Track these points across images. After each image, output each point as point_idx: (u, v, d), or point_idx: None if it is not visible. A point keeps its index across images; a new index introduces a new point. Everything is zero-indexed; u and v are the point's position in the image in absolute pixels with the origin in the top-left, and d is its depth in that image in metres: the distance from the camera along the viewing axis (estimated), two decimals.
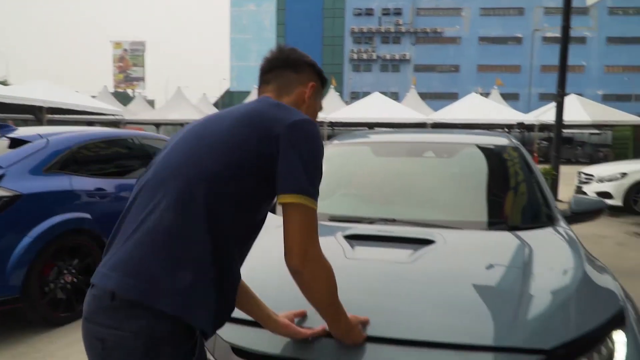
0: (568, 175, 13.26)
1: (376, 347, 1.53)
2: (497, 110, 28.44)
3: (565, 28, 10.18)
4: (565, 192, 11.59)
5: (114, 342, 1.19)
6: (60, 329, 3.90)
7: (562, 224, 2.56)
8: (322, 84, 1.68)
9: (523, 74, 54.03)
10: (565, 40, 10.30)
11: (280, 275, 1.50)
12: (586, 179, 11.15)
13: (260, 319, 1.61)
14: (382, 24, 61.10)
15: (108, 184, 4.53)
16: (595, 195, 10.53)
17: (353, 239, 2.23)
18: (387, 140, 3.50)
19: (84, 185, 4.28)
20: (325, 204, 2.85)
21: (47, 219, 3.89)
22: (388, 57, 60.95)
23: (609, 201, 10.30)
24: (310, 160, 1.34)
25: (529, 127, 30.59)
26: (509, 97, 47.77)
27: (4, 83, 36.34)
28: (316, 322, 1.59)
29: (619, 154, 29.04)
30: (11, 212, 3.69)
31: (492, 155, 3.17)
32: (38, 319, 3.86)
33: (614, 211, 10.36)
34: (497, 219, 2.61)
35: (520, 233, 2.35)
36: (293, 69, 1.60)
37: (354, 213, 2.71)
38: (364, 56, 61.23)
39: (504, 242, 2.27)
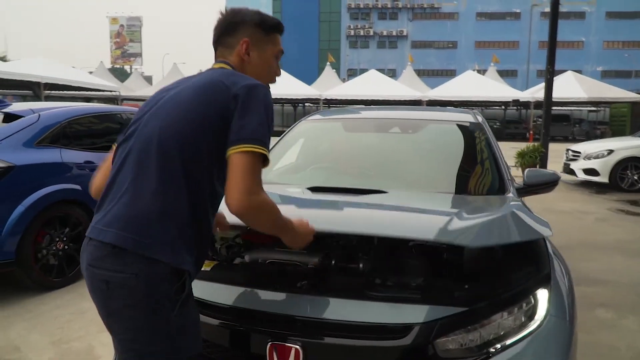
0: (560, 152, 13.38)
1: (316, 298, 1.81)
2: (493, 88, 28.47)
3: (555, 4, 10.25)
4: (554, 169, 11.74)
5: (118, 282, 1.38)
6: (51, 292, 4.15)
7: (511, 194, 2.76)
8: (266, 31, 1.74)
9: (521, 50, 53.57)
10: (554, 16, 10.38)
11: None
12: (574, 156, 11.29)
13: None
14: (379, 0, 60.38)
15: (97, 157, 4.72)
16: (582, 172, 10.71)
17: (315, 190, 2.57)
18: (357, 117, 3.70)
19: (74, 158, 4.47)
20: (297, 177, 3.11)
21: (39, 189, 4.09)
22: (385, 33, 60.30)
23: (595, 178, 10.47)
24: (263, 116, 1.49)
25: (525, 104, 30.62)
26: (507, 74, 47.58)
27: (3, 59, 36.19)
28: None
29: (616, 131, 29.12)
30: (5, 182, 3.90)
31: (454, 130, 3.37)
32: (31, 283, 4.10)
33: (601, 188, 10.53)
34: (449, 189, 2.82)
35: (466, 196, 2.62)
36: (228, 33, 1.72)
37: (322, 184, 2.93)
38: (361, 32, 60.60)
39: (448, 197, 2.62)
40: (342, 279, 1.97)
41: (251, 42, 1.71)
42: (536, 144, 12.05)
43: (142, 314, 1.39)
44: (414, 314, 1.72)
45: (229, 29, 1.72)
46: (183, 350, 1.47)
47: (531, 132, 27.41)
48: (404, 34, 60.09)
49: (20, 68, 18.01)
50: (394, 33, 60.09)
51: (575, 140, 28.87)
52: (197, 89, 1.54)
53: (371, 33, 60.53)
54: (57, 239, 4.26)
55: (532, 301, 1.80)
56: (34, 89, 19.54)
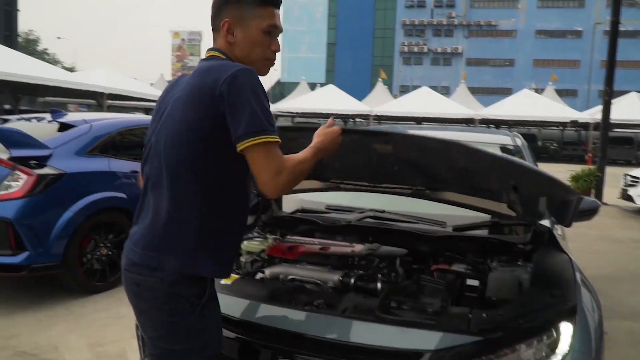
0: (618, 177, 12.78)
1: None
2: (551, 107, 27.54)
3: (615, 23, 9.89)
4: (611, 194, 11.23)
5: (146, 285, 1.53)
6: (93, 296, 4.32)
7: (547, 221, 2.66)
8: (250, 6, 1.61)
9: (582, 70, 51.68)
10: (614, 35, 10.01)
11: None
12: (632, 181, 10.71)
13: None
14: (434, 17, 59.86)
15: None
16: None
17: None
18: None
19: (121, 167, 4.66)
20: (326, 194, 3.14)
21: (87, 196, 4.30)
22: (439, 50, 59.69)
23: None
24: (253, 104, 1.45)
25: (584, 126, 29.46)
26: (567, 94, 46.00)
27: (72, 69, 38.41)
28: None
29: None
30: (56, 188, 4.12)
31: None
32: (75, 286, 4.29)
33: None
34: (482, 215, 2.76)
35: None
36: (215, 16, 1.65)
37: (349, 203, 2.96)
38: (415, 49, 60.24)
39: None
40: (358, 299, 1.97)
41: (234, 21, 1.61)
42: (592, 167, 11.57)
43: (165, 314, 1.53)
44: (427, 340, 1.69)
45: (216, 11, 1.65)
46: (204, 351, 1.58)
47: (590, 154, 26.34)
48: (459, 51, 59.31)
49: (85, 78, 18.93)
50: (449, 50, 59.42)
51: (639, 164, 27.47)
52: (186, 98, 1.53)
53: (425, 50, 60.09)
54: (102, 245, 4.44)
55: (554, 334, 1.73)
56: (97, 99, 20.46)
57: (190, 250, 1.52)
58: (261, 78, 1.60)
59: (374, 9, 63.19)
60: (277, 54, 1.71)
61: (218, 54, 1.64)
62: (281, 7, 1.71)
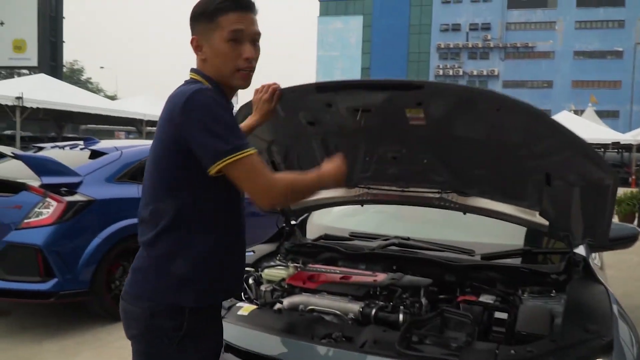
0: None
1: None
2: (591, 129, 26.81)
3: None
4: None
5: (131, 313, 1.57)
6: (120, 323, 4.28)
7: (582, 248, 2.54)
8: (210, 19, 1.53)
9: (624, 90, 50.31)
10: None
11: None
12: None
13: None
14: (469, 40, 59.63)
15: None
16: None
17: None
18: None
19: None
20: (350, 221, 3.08)
21: (116, 223, 4.34)
22: (475, 72, 59.18)
23: None
24: (214, 123, 1.42)
25: (627, 147, 28.50)
26: (608, 115, 44.79)
27: (113, 97, 39.89)
28: None
29: None
30: (85, 215, 4.18)
31: None
32: (103, 312, 4.30)
33: None
34: (514, 239, 2.64)
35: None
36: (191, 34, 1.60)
37: (374, 230, 2.88)
38: (450, 72, 59.92)
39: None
40: (378, 332, 1.87)
41: (200, 37, 1.56)
42: (635, 190, 11.12)
43: (144, 344, 1.56)
44: None
45: (191, 31, 1.60)
46: None
47: (633, 176, 25.44)
48: (495, 73, 58.71)
49: (125, 106, 19.57)
50: (485, 72, 58.89)
51: None
52: (157, 131, 1.55)
53: (460, 73, 59.70)
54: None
55: None
56: (136, 126, 21.05)
57: (171, 283, 1.52)
58: None
59: (408, 33, 63.39)
60: (253, 61, 1.59)
61: (193, 74, 1.61)
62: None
